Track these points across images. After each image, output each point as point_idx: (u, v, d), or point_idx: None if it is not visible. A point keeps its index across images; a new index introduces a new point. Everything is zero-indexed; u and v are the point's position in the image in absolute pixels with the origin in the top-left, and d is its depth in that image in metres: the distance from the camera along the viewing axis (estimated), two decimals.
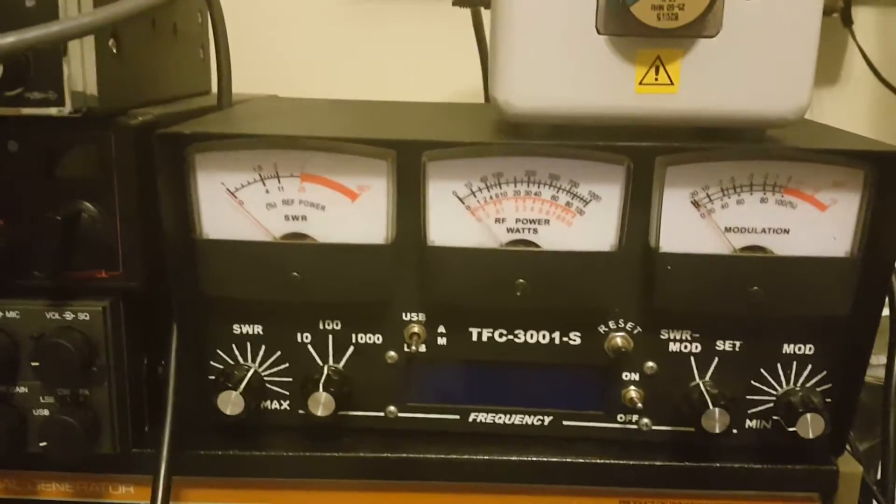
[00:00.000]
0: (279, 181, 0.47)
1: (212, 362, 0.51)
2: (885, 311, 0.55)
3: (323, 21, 0.89)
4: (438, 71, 0.88)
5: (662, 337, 0.50)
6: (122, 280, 0.48)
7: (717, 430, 0.48)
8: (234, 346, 0.51)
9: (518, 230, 0.48)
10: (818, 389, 0.50)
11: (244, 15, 0.87)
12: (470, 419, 0.52)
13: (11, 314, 0.47)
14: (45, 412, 0.48)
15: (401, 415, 0.52)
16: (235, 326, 0.50)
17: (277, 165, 0.47)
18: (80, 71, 0.44)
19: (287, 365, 0.51)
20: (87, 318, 0.47)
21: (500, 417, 0.52)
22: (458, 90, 0.87)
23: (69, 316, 0.47)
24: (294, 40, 0.89)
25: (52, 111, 0.43)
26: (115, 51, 0.47)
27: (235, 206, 0.48)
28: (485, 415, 0.52)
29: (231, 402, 0.48)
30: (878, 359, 0.62)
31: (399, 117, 0.59)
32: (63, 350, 0.46)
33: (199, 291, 0.49)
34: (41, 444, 0.47)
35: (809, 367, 0.50)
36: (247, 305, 0.50)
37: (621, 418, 0.52)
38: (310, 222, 0.48)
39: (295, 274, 0.48)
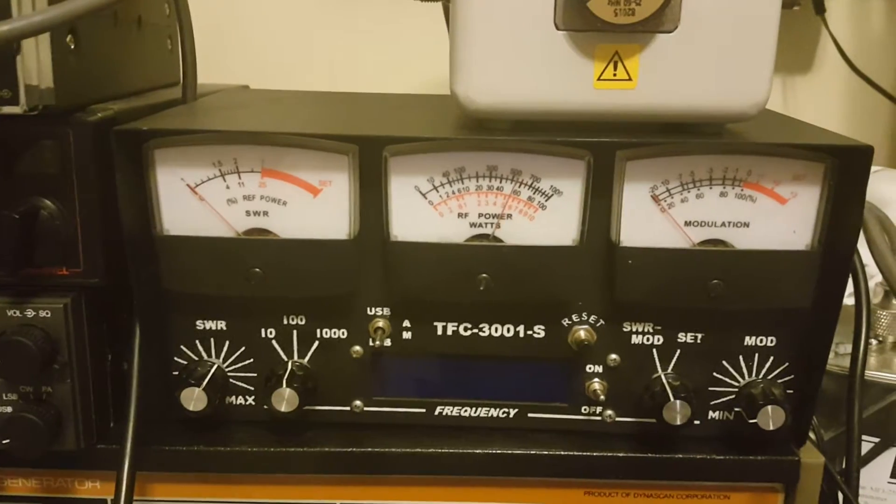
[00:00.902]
0: (239, 176, 0.47)
1: (175, 358, 0.51)
2: (851, 301, 0.56)
3: (299, 10, 0.88)
4: (414, 61, 0.87)
5: (625, 329, 0.50)
6: (82, 277, 0.47)
7: (678, 422, 0.48)
8: (197, 341, 0.51)
9: (480, 225, 0.48)
10: (779, 381, 0.51)
11: (219, 6, 0.87)
12: (436, 412, 0.52)
13: None
14: (8, 409, 0.48)
15: (367, 409, 0.52)
16: (199, 322, 0.50)
17: (237, 161, 0.47)
18: (36, 68, 0.43)
19: (251, 360, 0.51)
20: (48, 315, 0.47)
21: (465, 410, 0.52)
22: (434, 80, 0.87)
23: (30, 313, 0.47)
24: (271, 30, 0.88)
25: (7, 109, 0.43)
26: (72, 46, 0.46)
27: (196, 201, 0.47)
28: (450, 408, 0.52)
29: (194, 399, 0.48)
30: (845, 348, 0.62)
31: (363, 111, 0.58)
32: (24, 347, 0.46)
33: (161, 288, 0.49)
34: (4, 442, 0.47)
35: (771, 358, 0.50)
36: (210, 301, 0.50)
37: (585, 410, 0.52)
38: (271, 217, 0.48)
39: (257, 269, 0.48)
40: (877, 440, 0.60)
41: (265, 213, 0.48)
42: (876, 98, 0.84)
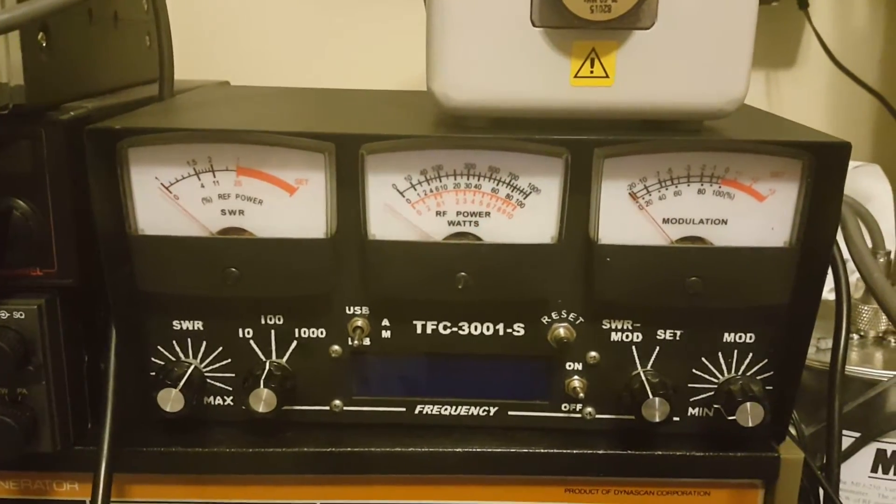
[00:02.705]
0: (214, 175, 0.47)
1: (152, 359, 0.50)
2: (832, 296, 0.56)
3: (280, 6, 0.87)
4: (396, 57, 0.87)
5: (604, 327, 0.50)
6: (57, 277, 0.47)
7: (658, 419, 0.48)
8: (174, 342, 0.50)
9: (459, 223, 0.48)
10: (759, 378, 0.51)
11: (200, 1, 0.86)
12: (416, 411, 0.52)
13: None
14: None
15: (346, 408, 0.52)
16: (175, 322, 0.50)
17: (212, 159, 0.46)
18: (6, 66, 0.43)
19: (229, 360, 0.51)
20: (23, 316, 0.47)
21: (445, 409, 0.52)
22: (416, 77, 0.87)
23: (3, 315, 0.46)
24: (252, 26, 0.88)
25: None
26: (44, 44, 0.46)
27: (170, 201, 0.47)
28: (431, 407, 0.52)
29: (171, 399, 0.48)
30: (826, 342, 0.62)
31: (340, 108, 0.58)
32: None
33: (137, 288, 0.48)
34: None
35: (750, 355, 0.50)
36: (186, 301, 0.49)
37: (565, 408, 0.52)
38: (247, 216, 0.48)
39: (233, 269, 0.47)
40: (857, 435, 0.60)
41: (241, 212, 0.47)
42: (859, 93, 0.84)
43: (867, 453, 0.60)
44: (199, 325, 0.50)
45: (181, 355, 0.50)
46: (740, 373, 0.51)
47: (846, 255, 0.56)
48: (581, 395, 0.51)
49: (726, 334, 0.50)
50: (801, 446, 0.53)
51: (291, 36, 0.88)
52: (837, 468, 0.56)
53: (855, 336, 0.66)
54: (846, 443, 0.59)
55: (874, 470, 0.60)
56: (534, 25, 0.43)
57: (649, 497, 0.52)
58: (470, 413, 0.52)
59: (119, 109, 0.51)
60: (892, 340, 0.66)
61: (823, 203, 0.47)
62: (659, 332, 0.50)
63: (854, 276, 0.61)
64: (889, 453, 0.60)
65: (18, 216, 0.46)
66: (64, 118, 0.45)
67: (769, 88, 0.88)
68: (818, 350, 0.63)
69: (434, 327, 0.51)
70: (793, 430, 0.57)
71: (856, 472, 0.61)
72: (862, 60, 0.86)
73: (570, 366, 0.51)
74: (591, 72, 0.44)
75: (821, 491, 0.56)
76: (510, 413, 0.52)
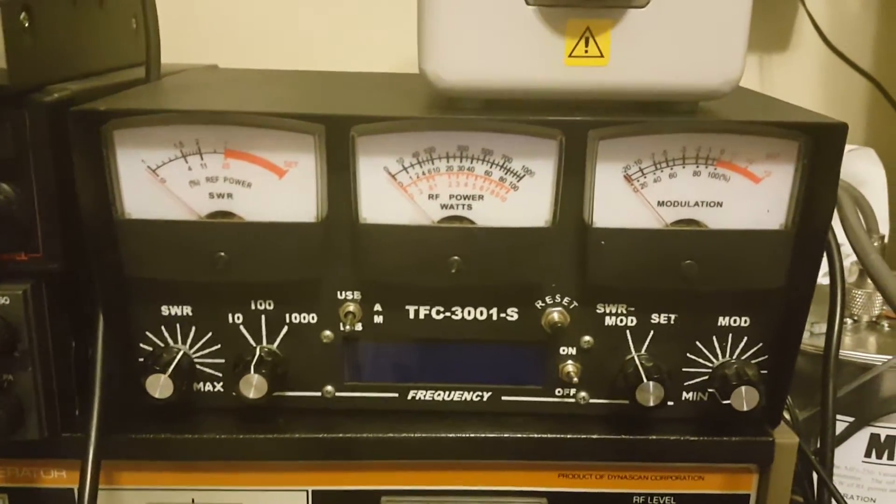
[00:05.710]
0: (202, 158, 0.46)
1: (140, 345, 0.50)
2: (827, 280, 0.55)
3: None
4: (388, 38, 0.86)
5: (599, 311, 0.50)
6: (42, 262, 0.46)
7: (652, 403, 0.48)
8: (162, 327, 0.49)
9: (452, 206, 0.47)
10: (753, 362, 0.50)
11: None
12: (409, 397, 0.52)
13: None
14: None
15: (338, 394, 0.51)
16: (164, 308, 0.49)
17: (199, 141, 0.46)
18: None
19: (219, 346, 0.50)
20: (7, 301, 0.46)
21: (438, 394, 0.52)
22: (410, 59, 0.86)
23: None
24: (240, 8, 0.86)
25: None
26: (27, 24, 0.45)
27: (157, 184, 0.46)
28: (423, 392, 0.52)
29: (160, 385, 0.47)
30: (820, 327, 0.62)
31: (331, 89, 0.57)
32: None
33: (124, 273, 0.47)
34: None
35: (745, 339, 0.50)
36: (175, 286, 0.48)
37: (559, 392, 0.51)
38: (236, 200, 0.47)
39: (222, 254, 0.46)
40: (851, 419, 0.60)
41: (229, 196, 0.47)
42: (853, 76, 0.84)
43: (861, 438, 0.60)
44: (187, 310, 0.49)
45: (170, 341, 0.50)
46: (735, 357, 0.50)
47: (841, 239, 0.56)
48: (575, 379, 0.50)
49: (721, 318, 0.50)
50: (794, 431, 0.53)
51: (277, 19, 0.87)
52: (831, 453, 0.56)
53: (848, 321, 0.65)
54: (840, 427, 0.59)
55: (868, 455, 0.60)
56: (527, 3, 0.43)
57: (643, 482, 0.52)
58: (463, 399, 0.52)
59: (104, 91, 0.50)
60: (886, 325, 0.65)
61: (819, 185, 0.46)
62: (653, 316, 0.50)
63: (847, 261, 0.61)
64: (883, 438, 0.60)
65: (2, 200, 0.45)
66: (47, 100, 0.45)
67: (762, 72, 0.88)
68: (812, 335, 0.63)
69: (427, 312, 0.50)
70: (787, 415, 0.56)
71: (849, 457, 0.61)
72: (856, 43, 0.86)
73: (563, 350, 0.51)
74: (586, 51, 0.43)
75: (815, 476, 0.56)
76: (503, 398, 0.52)
